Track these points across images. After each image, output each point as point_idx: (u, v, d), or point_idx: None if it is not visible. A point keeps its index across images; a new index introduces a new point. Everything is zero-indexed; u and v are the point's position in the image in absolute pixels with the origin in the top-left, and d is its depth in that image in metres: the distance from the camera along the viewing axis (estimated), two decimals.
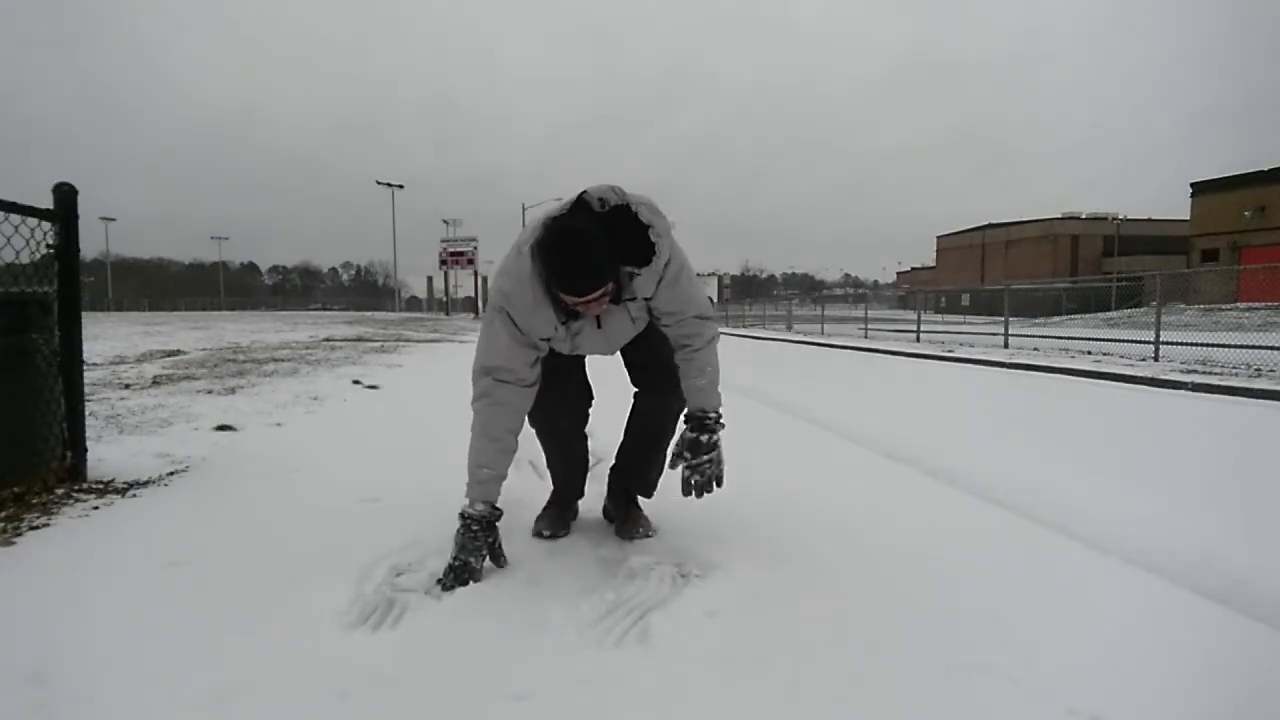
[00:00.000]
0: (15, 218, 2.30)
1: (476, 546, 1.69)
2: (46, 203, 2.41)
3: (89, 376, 3.68)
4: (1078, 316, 23.84)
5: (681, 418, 1.89)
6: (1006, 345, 11.06)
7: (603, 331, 1.77)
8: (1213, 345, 8.27)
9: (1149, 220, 40.85)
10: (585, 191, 1.58)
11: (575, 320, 1.70)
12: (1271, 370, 6.74)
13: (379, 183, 45.27)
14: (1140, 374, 6.88)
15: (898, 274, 76.09)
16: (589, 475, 2.22)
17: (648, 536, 1.99)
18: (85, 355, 2.65)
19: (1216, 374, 6.68)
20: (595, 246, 1.50)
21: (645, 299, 1.74)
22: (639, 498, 2.11)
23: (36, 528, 2.05)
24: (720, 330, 1.94)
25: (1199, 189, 28.66)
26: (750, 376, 7.41)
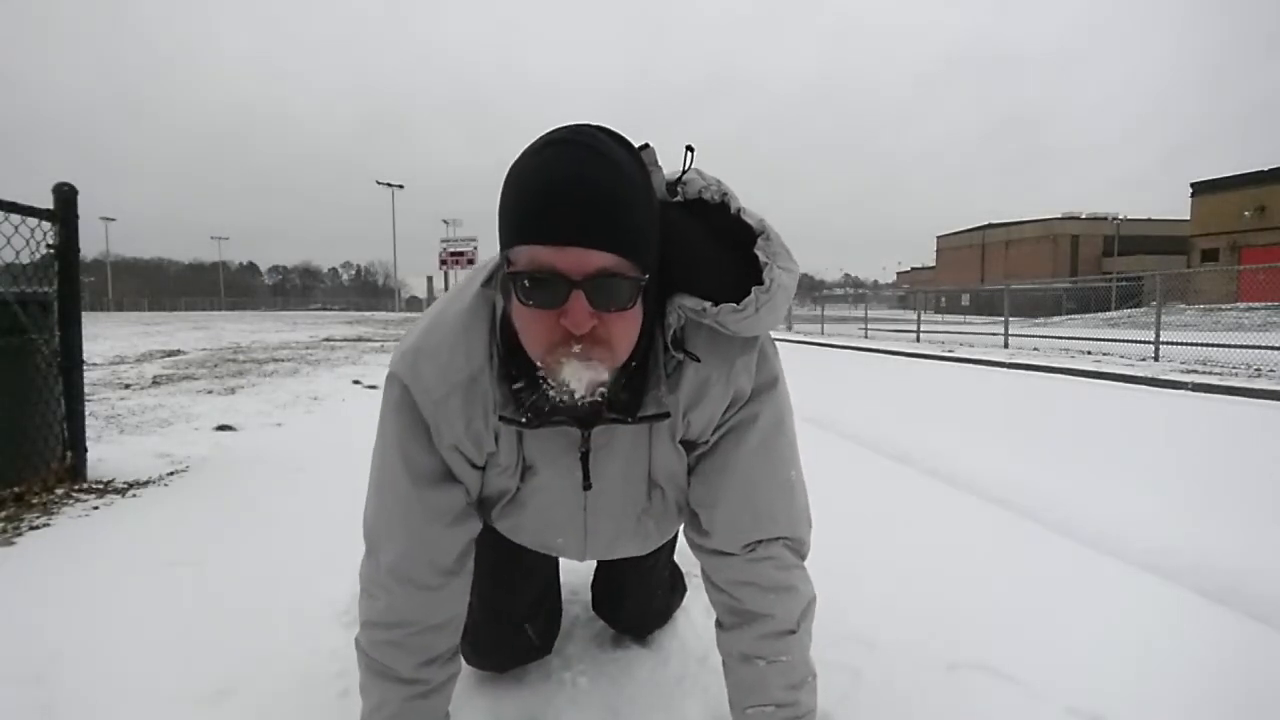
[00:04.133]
0: (15, 217, 2.30)
1: None
2: (50, 200, 2.42)
3: (89, 376, 3.68)
4: (1078, 316, 23.82)
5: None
6: (1006, 345, 11.05)
7: (588, 498, 0.92)
8: (1213, 345, 8.26)
9: (1149, 220, 40.84)
10: (650, 147, 0.78)
11: (534, 446, 0.86)
12: (1271, 370, 6.73)
13: (379, 183, 45.25)
14: (1140, 374, 6.88)
15: (898, 274, 76.18)
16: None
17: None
18: (85, 355, 2.65)
19: (1216, 374, 6.68)
20: (621, 172, 0.68)
21: (690, 444, 0.91)
22: None
23: (36, 528, 2.05)
24: None
25: (1199, 189, 28.64)
26: None
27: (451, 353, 0.81)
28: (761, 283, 0.78)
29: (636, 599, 1.33)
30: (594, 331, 0.68)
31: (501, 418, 0.81)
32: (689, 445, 0.91)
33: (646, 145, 0.78)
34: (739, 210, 0.81)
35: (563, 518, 0.96)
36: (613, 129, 0.74)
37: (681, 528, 1.04)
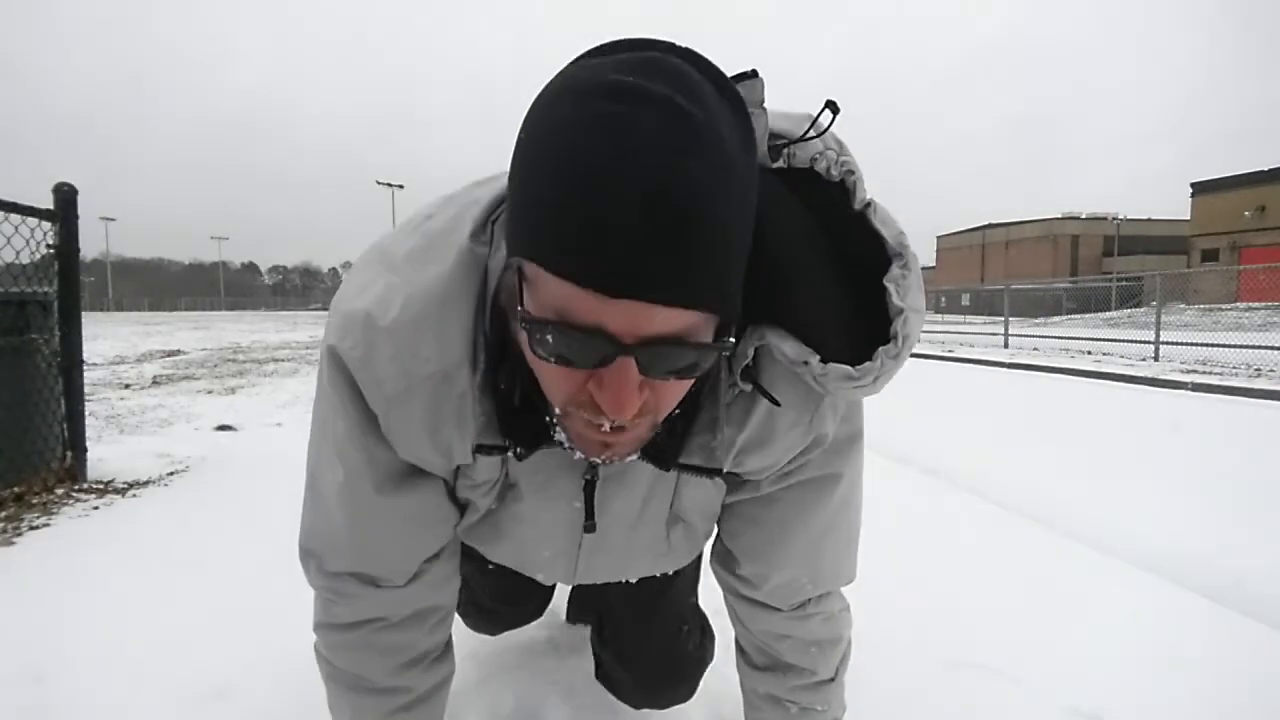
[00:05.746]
0: (15, 217, 2.30)
1: None
2: (50, 200, 2.42)
3: (89, 376, 3.68)
4: (1078, 316, 23.80)
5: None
6: (1006, 345, 11.06)
7: (586, 540, 0.71)
8: (1213, 345, 8.26)
9: (1149, 220, 40.85)
10: (759, 76, 0.51)
11: (526, 460, 0.61)
12: (1271, 370, 6.74)
13: (379, 183, 45.22)
14: (1140, 374, 6.88)
15: None
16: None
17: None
18: (85, 355, 2.65)
19: (1216, 374, 6.68)
20: (728, 169, 0.41)
21: (734, 476, 0.68)
22: None
23: (36, 528, 2.05)
24: None
25: (1199, 189, 28.64)
26: None
27: (417, 334, 0.54)
28: (887, 339, 0.53)
29: (642, 637, 1.00)
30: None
31: (480, 447, 0.59)
32: (731, 479, 0.69)
33: (754, 73, 0.50)
34: (867, 205, 0.54)
35: (549, 554, 0.73)
36: (700, 54, 0.44)
37: (708, 560, 0.85)
